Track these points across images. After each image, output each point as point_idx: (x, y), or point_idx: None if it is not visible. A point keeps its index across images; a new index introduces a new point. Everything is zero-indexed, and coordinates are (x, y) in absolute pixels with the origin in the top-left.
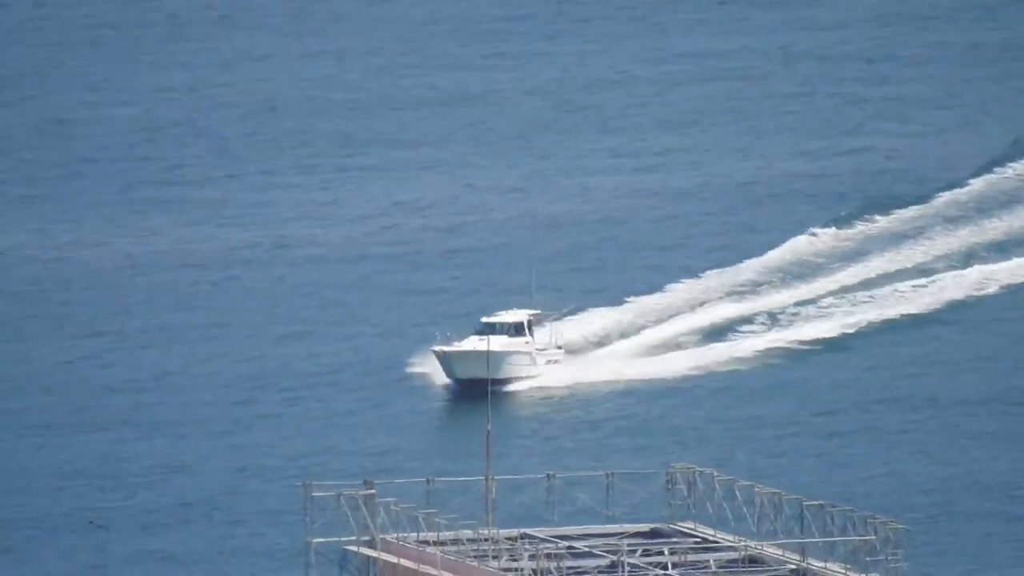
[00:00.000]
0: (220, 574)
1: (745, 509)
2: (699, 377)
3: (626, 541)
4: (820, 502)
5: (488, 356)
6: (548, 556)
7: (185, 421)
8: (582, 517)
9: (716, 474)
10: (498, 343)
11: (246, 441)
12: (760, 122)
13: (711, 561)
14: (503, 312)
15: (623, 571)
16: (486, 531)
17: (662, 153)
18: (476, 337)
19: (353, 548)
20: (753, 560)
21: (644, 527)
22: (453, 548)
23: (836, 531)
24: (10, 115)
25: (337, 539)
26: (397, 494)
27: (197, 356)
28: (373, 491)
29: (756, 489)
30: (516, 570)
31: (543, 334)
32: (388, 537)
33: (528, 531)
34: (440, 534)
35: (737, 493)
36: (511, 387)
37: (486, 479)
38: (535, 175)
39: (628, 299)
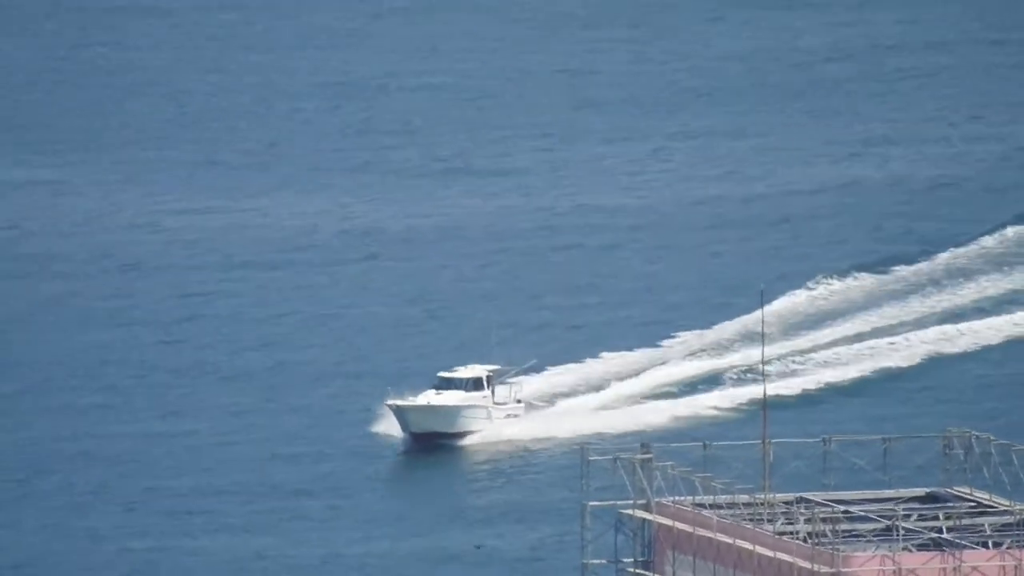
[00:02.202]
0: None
1: (1022, 474)
2: (653, 432)
3: (901, 505)
4: None
5: (442, 410)
6: (824, 520)
7: None
8: (857, 481)
9: (992, 438)
10: (455, 398)
11: None
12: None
13: (986, 525)
14: (461, 367)
15: (898, 535)
16: (762, 495)
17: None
18: (433, 392)
19: (629, 511)
20: None
21: (919, 491)
22: (729, 512)
23: None
24: None
25: (613, 502)
26: (673, 458)
27: None
28: (650, 455)
29: None
30: (792, 533)
31: (503, 390)
32: (664, 501)
33: (804, 495)
34: (716, 498)
35: (1014, 458)
36: (466, 441)
37: (763, 442)
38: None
39: (598, 355)
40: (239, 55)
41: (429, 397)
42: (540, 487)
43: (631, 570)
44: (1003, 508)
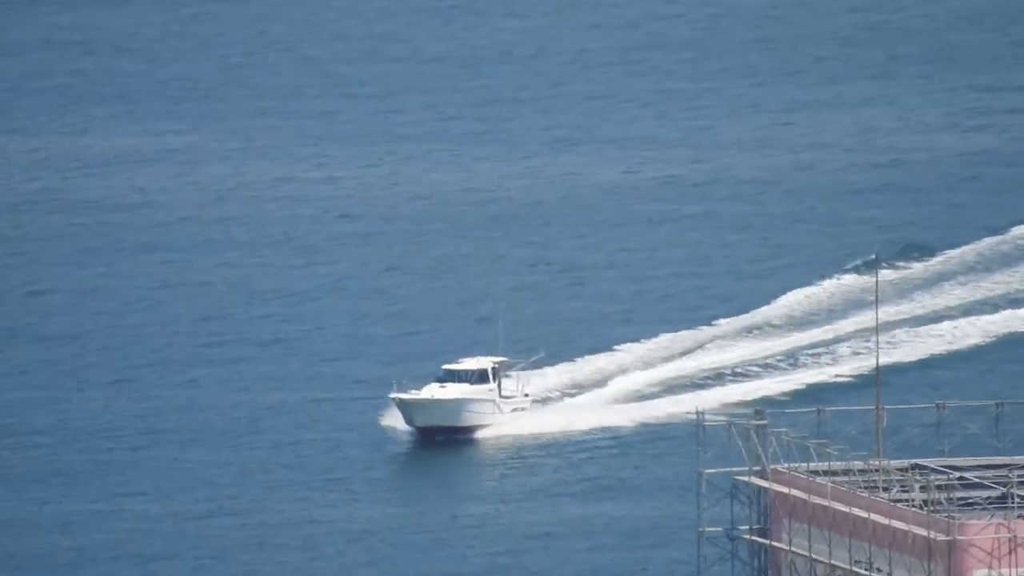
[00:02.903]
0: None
1: None
2: (659, 427)
3: (1016, 472)
4: None
5: (446, 404)
6: (938, 487)
7: None
8: (972, 447)
9: None
10: (460, 391)
11: None
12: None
13: None
14: (467, 359)
15: (1013, 502)
16: (876, 462)
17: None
18: (437, 384)
19: (744, 478)
20: None
21: None
22: (844, 479)
23: None
24: None
25: (728, 469)
26: (788, 424)
27: None
28: (764, 421)
29: None
30: (906, 501)
31: (511, 383)
32: (779, 467)
33: (919, 462)
34: (831, 464)
35: None
36: (475, 435)
37: (876, 409)
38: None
39: (613, 348)
40: (360, 25)
41: (433, 390)
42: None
43: (747, 538)
44: None
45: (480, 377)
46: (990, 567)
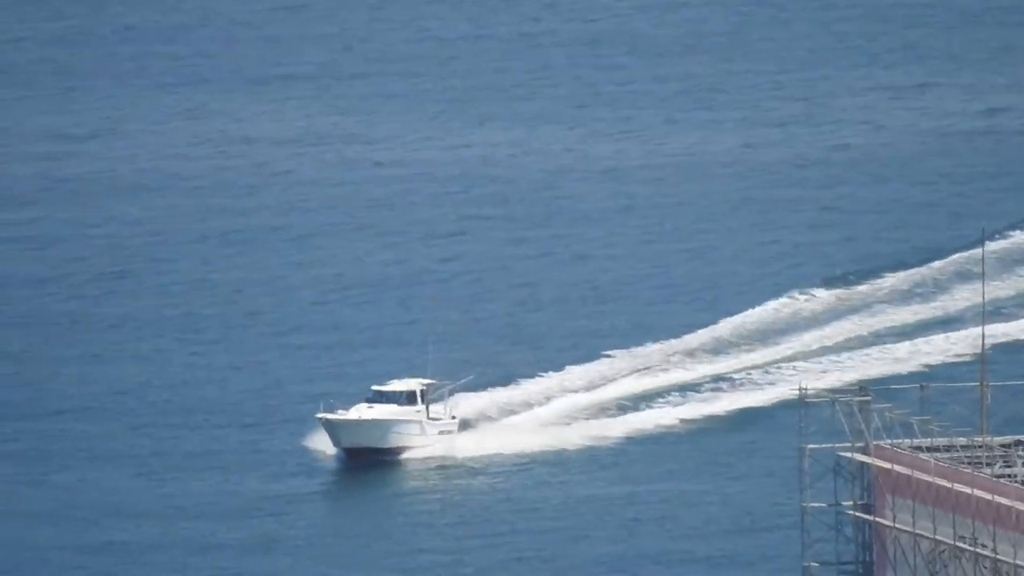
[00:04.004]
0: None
1: None
2: (590, 449)
3: None
4: None
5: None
6: None
7: None
8: None
9: None
10: (386, 411)
11: None
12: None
13: None
14: (395, 381)
15: None
16: (980, 438)
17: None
18: (365, 405)
19: (847, 454)
20: None
21: None
22: (947, 455)
23: None
24: None
25: (831, 445)
26: (891, 400)
27: None
28: (868, 397)
29: None
30: (1010, 476)
31: (439, 405)
32: (881, 443)
33: (1022, 438)
34: (933, 441)
35: None
36: (398, 458)
37: (980, 385)
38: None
39: (537, 374)
40: None
41: (360, 411)
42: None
43: (851, 513)
44: None
45: (408, 398)
46: None
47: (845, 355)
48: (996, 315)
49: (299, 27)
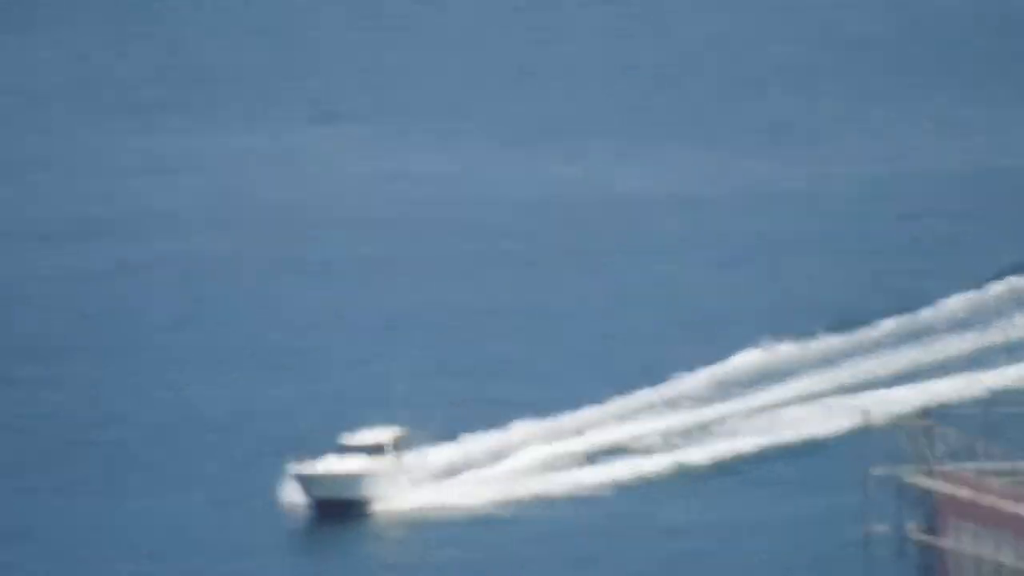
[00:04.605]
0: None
1: None
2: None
3: None
4: None
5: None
6: None
7: None
8: None
9: None
10: (357, 463)
11: None
12: None
13: None
14: (366, 431)
15: None
16: None
17: None
18: (335, 457)
19: (911, 478)
20: None
21: None
22: (1010, 479)
23: None
24: None
25: (895, 468)
26: (955, 424)
27: None
28: (931, 422)
29: None
30: None
31: (412, 455)
32: (945, 467)
33: None
34: (997, 465)
35: None
36: (369, 509)
37: None
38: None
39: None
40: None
41: (330, 463)
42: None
43: (914, 537)
44: None
45: (377, 449)
46: None
47: (907, 382)
48: None
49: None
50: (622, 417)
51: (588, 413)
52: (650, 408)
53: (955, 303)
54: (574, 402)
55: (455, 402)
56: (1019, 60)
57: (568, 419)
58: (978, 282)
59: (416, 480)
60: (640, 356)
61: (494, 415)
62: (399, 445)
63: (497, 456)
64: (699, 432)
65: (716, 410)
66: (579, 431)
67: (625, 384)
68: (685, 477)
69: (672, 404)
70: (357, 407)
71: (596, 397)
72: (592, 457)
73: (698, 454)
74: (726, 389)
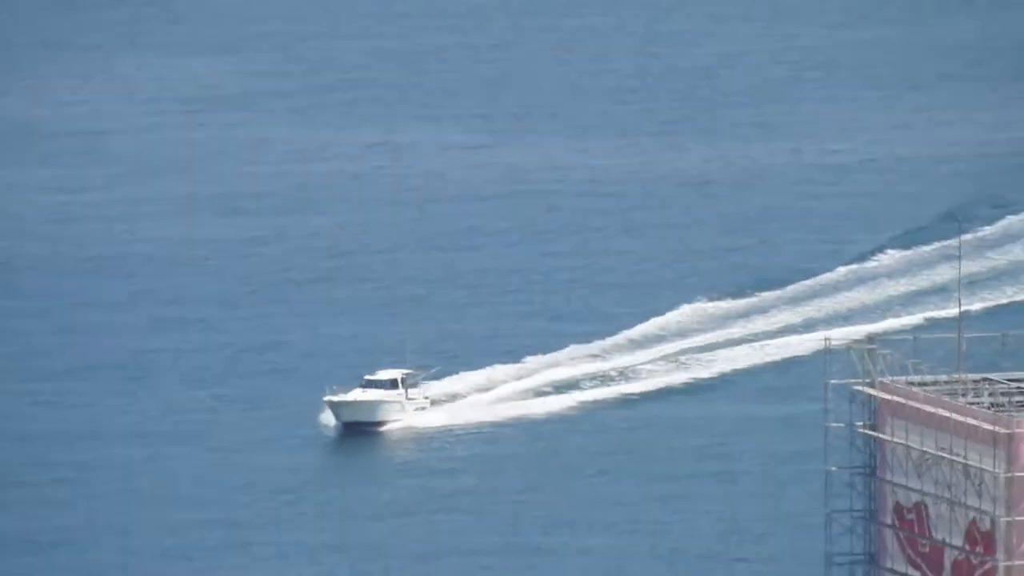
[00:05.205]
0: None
1: None
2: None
3: None
4: None
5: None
6: (1002, 394)
7: None
8: None
9: None
10: (375, 394)
11: None
12: None
13: None
14: (382, 371)
15: None
16: (957, 375)
17: None
18: (360, 390)
19: (859, 387)
20: None
21: None
22: (932, 388)
23: None
24: None
25: (847, 381)
26: (892, 347)
27: None
28: (874, 346)
29: None
30: (978, 404)
31: (417, 389)
32: (885, 379)
33: (988, 376)
34: (923, 377)
35: None
36: (384, 428)
37: (958, 335)
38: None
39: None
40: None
41: (356, 394)
42: None
43: (861, 431)
44: None
45: (391, 384)
46: None
47: (857, 317)
48: (973, 285)
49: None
50: (605, 351)
51: (564, 353)
52: (630, 343)
53: (891, 257)
54: (551, 345)
55: (449, 350)
56: None
57: (543, 358)
58: (907, 242)
59: (418, 407)
60: (608, 306)
61: (479, 359)
62: (406, 381)
63: (480, 389)
64: (698, 355)
65: (715, 335)
66: (553, 365)
67: (599, 330)
68: (690, 389)
69: (661, 338)
70: (377, 353)
71: (562, 343)
72: (571, 386)
73: (701, 371)
74: (721, 322)
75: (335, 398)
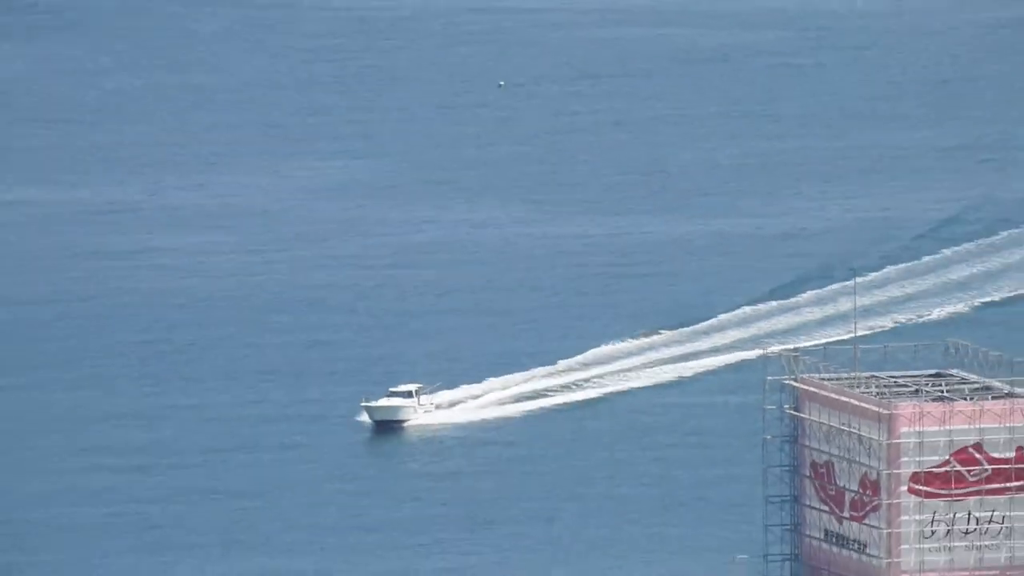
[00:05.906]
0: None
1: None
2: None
3: (923, 379)
4: None
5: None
6: (885, 385)
7: None
8: (899, 367)
9: (978, 348)
10: (397, 401)
11: None
12: None
13: (965, 389)
14: (402, 384)
15: (922, 394)
16: (854, 373)
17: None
18: (386, 398)
19: (787, 382)
20: None
21: (931, 371)
22: (837, 382)
23: None
24: None
25: (779, 377)
26: (810, 354)
27: None
28: (797, 354)
29: None
30: (868, 393)
31: (426, 397)
32: (804, 376)
33: (874, 374)
34: (830, 375)
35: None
36: (404, 425)
37: (854, 347)
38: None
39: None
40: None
41: (384, 401)
42: None
43: (788, 412)
44: (975, 381)
45: (408, 394)
46: (910, 427)
47: (791, 333)
48: (866, 312)
49: None
50: (586, 362)
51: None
52: (602, 357)
53: (809, 294)
54: (525, 364)
55: (453, 366)
56: None
57: (519, 375)
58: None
59: (427, 410)
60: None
61: (476, 372)
62: (420, 392)
63: (480, 396)
64: (665, 362)
65: (681, 349)
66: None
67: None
68: (658, 387)
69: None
70: (398, 371)
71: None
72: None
73: (666, 374)
74: (689, 337)
75: (369, 403)
